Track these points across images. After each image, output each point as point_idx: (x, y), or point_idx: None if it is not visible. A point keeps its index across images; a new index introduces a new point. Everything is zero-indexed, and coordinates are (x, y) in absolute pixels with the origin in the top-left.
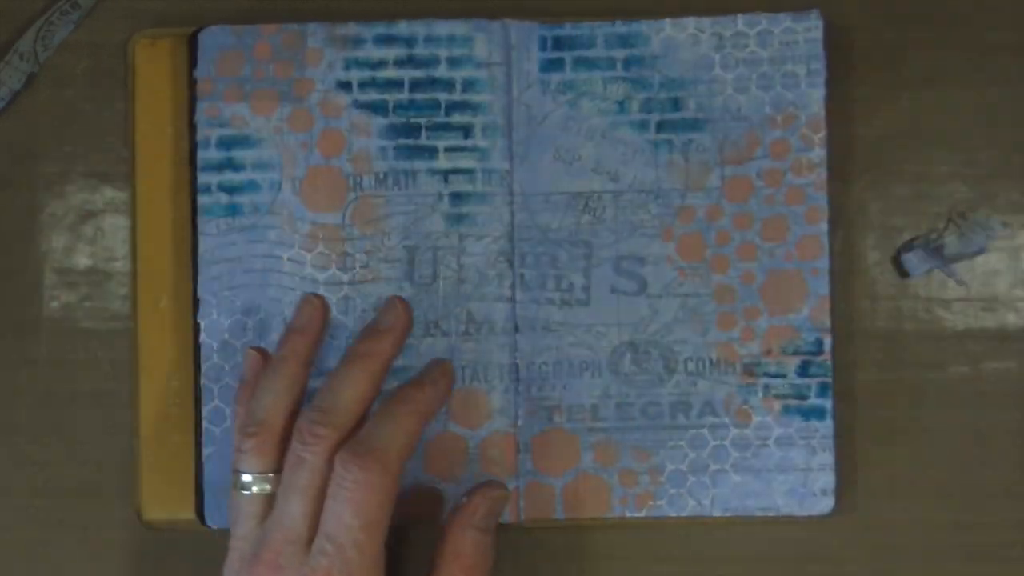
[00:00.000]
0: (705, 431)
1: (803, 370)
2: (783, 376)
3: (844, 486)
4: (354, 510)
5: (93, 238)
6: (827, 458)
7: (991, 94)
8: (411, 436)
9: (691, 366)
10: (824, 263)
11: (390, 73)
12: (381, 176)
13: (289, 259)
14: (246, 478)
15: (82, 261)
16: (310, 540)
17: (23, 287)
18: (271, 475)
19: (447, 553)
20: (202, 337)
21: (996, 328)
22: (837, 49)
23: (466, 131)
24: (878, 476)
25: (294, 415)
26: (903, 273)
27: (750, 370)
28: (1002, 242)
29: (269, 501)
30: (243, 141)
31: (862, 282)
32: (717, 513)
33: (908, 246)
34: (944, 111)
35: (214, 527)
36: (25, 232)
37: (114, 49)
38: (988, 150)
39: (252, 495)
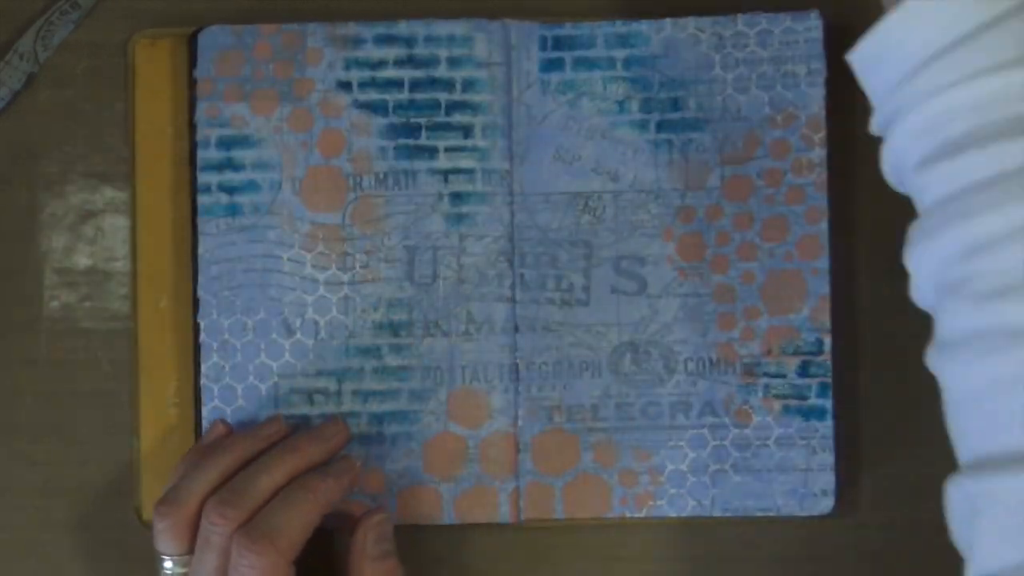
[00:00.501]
0: (705, 431)
1: (803, 370)
2: (783, 376)
3: (844, 486)
4: None
5: (93, 238)
6: (827, 458)
7: None
8: (307, 524)
9: (691, 366)
10: (824, 263)
11: (390, 73)
12: (381, 176)
13: (289, 259)
14: (166, 561)
15: (82, 261)
16: None
17: (23, 287)
18: (186, 556)
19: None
20: (202, 337)
21: None
22: (837, 49)
23: (466, 131)
24: (879, 476)
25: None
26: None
27: (750, 370)
28: None
29: None
30: (243, 141)
31: (862, 282)
32: (717, 513)
33: None
34: None
35: None
36: (25, 232)
37: (114, 49)
38: None
39: (170, 574)
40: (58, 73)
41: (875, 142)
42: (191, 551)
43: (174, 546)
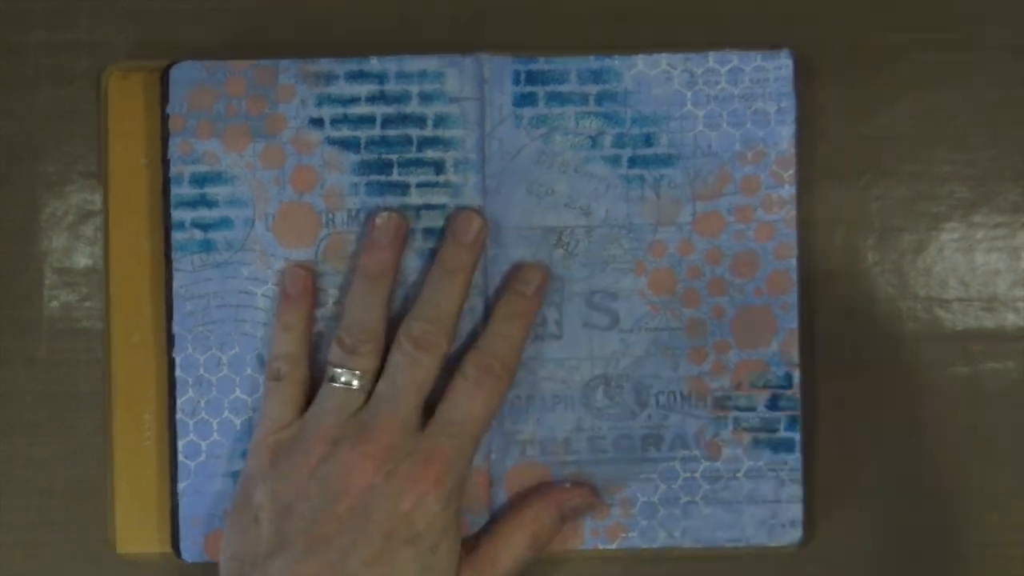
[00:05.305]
0: (676, 464)
1: (772, 404)
2: (753, 409)
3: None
4: (483, 405)
5: (93, 238)
6: (796, 490)
7: (991, 94)
8: (522, 344)
9: (662, 399)
10: (793, 298)
11: (362, 109)
12: (353, 212)
13: (263, 295)
14: (352, 379)
15: (82, 261)
16: (417, 428)
17: (23, 287)
18: (368, 375)
19: (525, 518)
20: (177, 372)
21: (996, 328)
22: (837, 49)
23: (438, 167)
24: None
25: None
26: None
27: (720, 403)
28: (1002, 242)
29: (362, 398)
30: (216, 177)
31: (862, 282)
32: (688, 545)
33: None
34: (944, 111)
35: (190, 561)
36: (25, 232)
37: (114, 50)
38: (988, 150)
39: (353, 391)
40: (58, 73)
41: (875, 142)
42: (374, 372)
43: (367, 364)
